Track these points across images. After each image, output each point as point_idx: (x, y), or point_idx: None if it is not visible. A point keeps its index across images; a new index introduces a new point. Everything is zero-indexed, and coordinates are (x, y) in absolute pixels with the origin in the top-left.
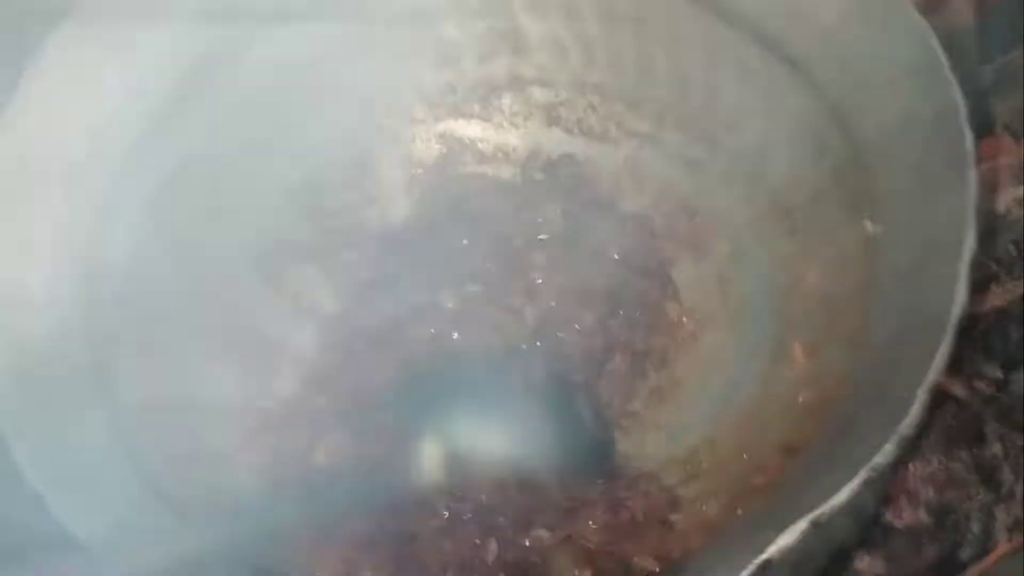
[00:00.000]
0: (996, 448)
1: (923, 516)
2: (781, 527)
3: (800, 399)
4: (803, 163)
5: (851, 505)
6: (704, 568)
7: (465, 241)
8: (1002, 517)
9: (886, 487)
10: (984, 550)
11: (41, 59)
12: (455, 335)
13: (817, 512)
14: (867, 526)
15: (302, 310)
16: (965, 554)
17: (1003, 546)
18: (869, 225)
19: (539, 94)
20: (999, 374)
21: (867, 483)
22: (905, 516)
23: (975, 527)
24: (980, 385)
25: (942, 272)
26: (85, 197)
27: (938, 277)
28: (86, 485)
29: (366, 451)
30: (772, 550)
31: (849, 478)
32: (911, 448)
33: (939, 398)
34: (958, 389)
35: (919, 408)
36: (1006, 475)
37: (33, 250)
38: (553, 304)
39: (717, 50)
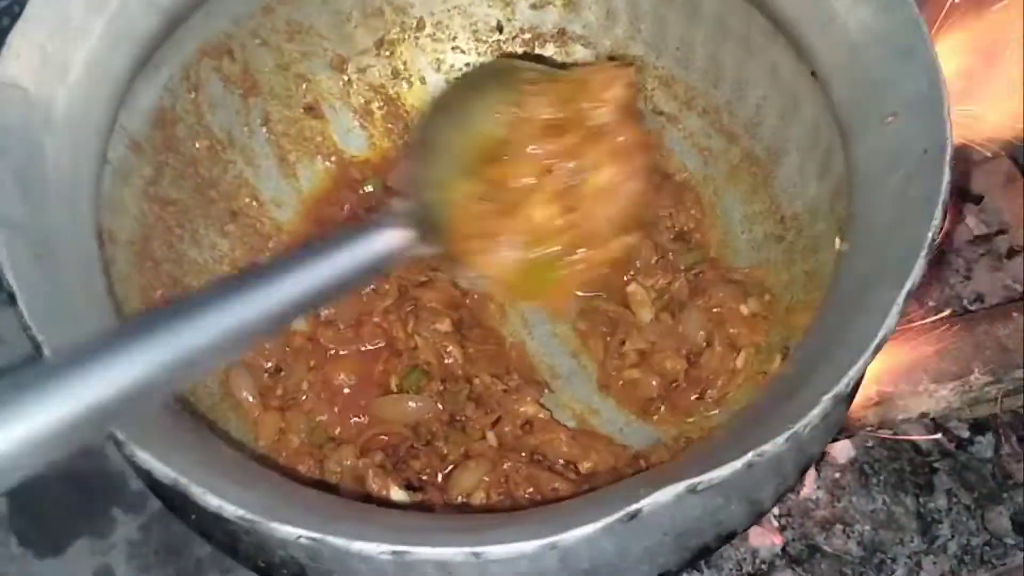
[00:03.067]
0: (941, 502)
1: (853, 547)
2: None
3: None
4: (808, 176)
5: (740, 489)
6: (581, 511)
7: None
8: (929, 569)
9: (788, 486)
10: None
11: None
12: None
13: (695, 480)
14: (758, 516)
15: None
16: None
17: None
18: (838, 242)
19: (580, 52)
20: (965, 433)
21: (752, 466)
22: (835, 543)
23: (900, 572)
24: (943, 440)
25: (881, 298)
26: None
27: (876, 302)
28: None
29: None
30: (643, 503)
31: (736, 458)
32: (861, 481)
33: (898, 443)
34: (920, 437)
35: (817, 414)
36: (944, 530)
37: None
38: None
39: (755, 48)
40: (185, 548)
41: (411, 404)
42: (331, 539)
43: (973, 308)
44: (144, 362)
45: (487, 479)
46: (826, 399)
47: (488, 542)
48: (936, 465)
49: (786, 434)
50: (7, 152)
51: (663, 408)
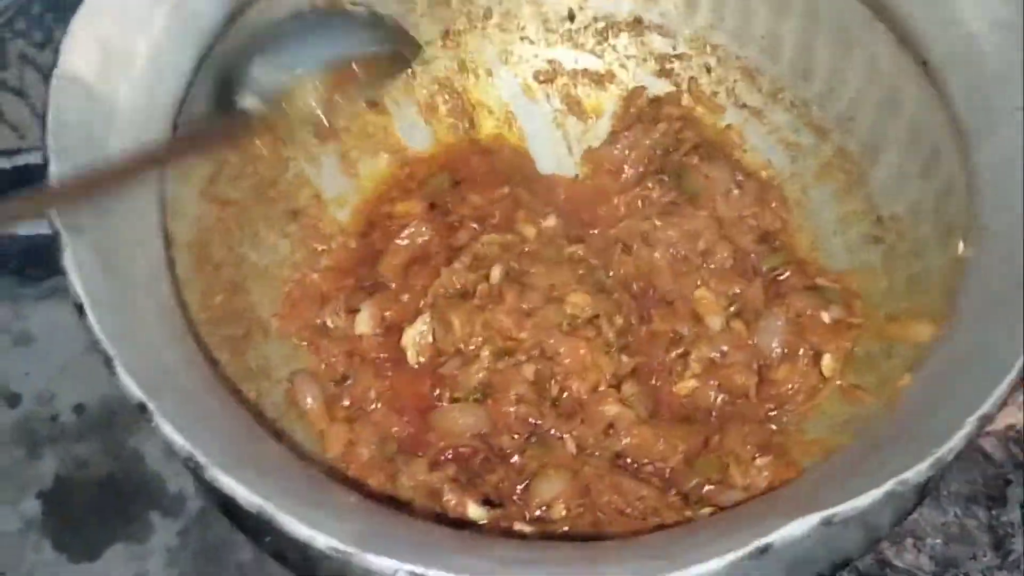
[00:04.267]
0: (1015, 515)
1: (924, 562)
2: (792, 517)
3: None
4: (910, 175)
5: (865, 516)
6: (701, 543)
7: None
8: None
9: (907, 509)
10: None
11: None
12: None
13: (831, 511)
14: (875, 542)
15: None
16: None
17: None
18: (962, 246)
19: (658, 43)
20: None
21: (891, 495)
22: (906, 558)
23: None
24: (1016, 450)
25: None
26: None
27: (1016, 317)
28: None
29: None
30: (774, 536)
31: (875, 486)
32: (932, 493)
33: (971, 452)
34: (992, 448)
35: (963, 436)
36: (1018, 544)
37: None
38: None
39: (852, 38)
40: (225, 554)
41: (463, 418)
42: (435, 572)
43: None
44: None
45: (567, 489)
46: (971, 420)
47: None
48: (1010, 477)
49: (930, 460)
50: (70, 151)
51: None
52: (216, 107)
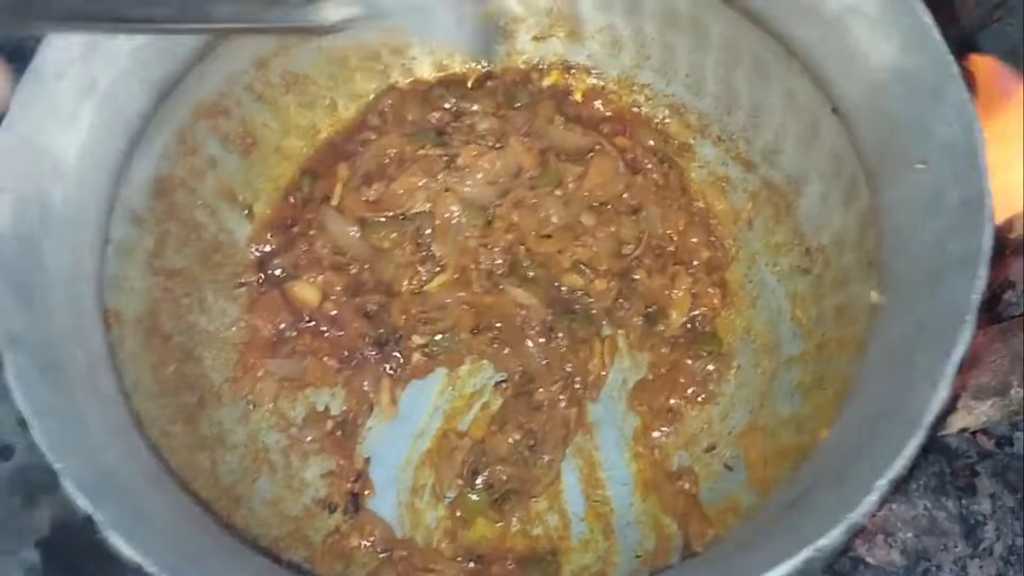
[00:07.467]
0: (985, 505)
1: (896, 557)
2: None
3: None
4: (832, 205)
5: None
6: None
7: None
8: (975, 573)
9: (839, 551)
10: None
11: None
12: None
13: None
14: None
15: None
16: None
17: None
18: (875, 295)
19: (586, 82)
20: (1004, 431)
21: (810, 561)
22: (878, 554)
23: None
24: (983, 439)
25: (929, 362)
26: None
27: (924, 368)
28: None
29: None
30: None
31: (794, 553)
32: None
33: (936, 447)
34: (957, 441)
35: (876, 498)
36: (989, 532)
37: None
38: None
39: (769, 74)
40: None
41: None
42: None
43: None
44: None
45: None
46: (881, 484)
47: None
48: (977, 468)
49: (843, 526)
50: (4, 260)
51: None
52: None
